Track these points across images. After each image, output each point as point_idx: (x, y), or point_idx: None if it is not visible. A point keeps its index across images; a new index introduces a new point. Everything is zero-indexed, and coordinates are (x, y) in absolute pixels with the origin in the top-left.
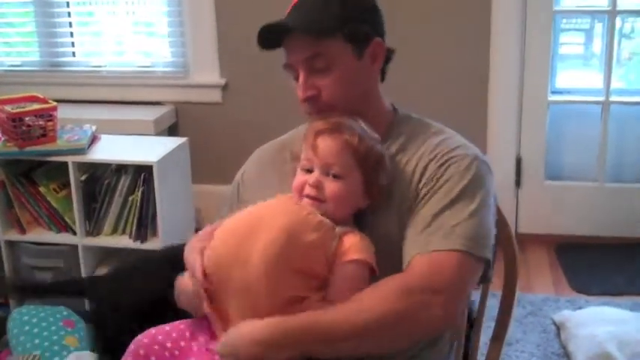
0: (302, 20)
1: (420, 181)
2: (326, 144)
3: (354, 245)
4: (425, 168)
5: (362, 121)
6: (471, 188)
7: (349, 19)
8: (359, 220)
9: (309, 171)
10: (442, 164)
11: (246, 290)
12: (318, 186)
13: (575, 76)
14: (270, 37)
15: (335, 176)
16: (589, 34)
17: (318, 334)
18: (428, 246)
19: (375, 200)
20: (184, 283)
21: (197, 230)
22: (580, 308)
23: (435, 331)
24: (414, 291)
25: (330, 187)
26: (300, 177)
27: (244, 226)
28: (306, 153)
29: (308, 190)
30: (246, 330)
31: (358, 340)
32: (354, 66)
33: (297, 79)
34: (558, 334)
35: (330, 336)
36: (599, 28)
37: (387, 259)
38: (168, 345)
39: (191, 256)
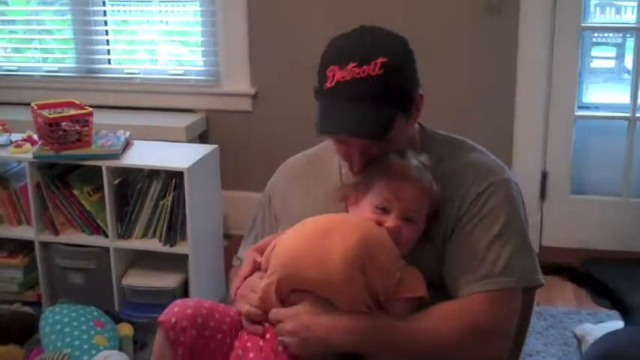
0: (365, 119)
1: (461, 205)
2: (410, 192)
3: (422, 282)
4: (466, 193)
5: (414, 153)
6: (513, 217)
7: (405, 95)
8: None
9: (385, 210)
10: (482, 192)
11: (327, 286)
12: (398, 231)
13: (606, 90)
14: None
15: (411, 221)
16: (621, 48)
17: (396, 338)
18: (487, 284)
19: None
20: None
21: (225, 235)
22: (601, 322)
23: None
24: (479, 330)
25: (407, 232)
26: (374, 215)
27: (320, 228)
28: (386, 195)
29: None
30: (328, 320)
31: (425, 356)
32: (406, 128)
33: (344, 151)
34: (579, 347)
35: (404, 343)
36: (631, 42)
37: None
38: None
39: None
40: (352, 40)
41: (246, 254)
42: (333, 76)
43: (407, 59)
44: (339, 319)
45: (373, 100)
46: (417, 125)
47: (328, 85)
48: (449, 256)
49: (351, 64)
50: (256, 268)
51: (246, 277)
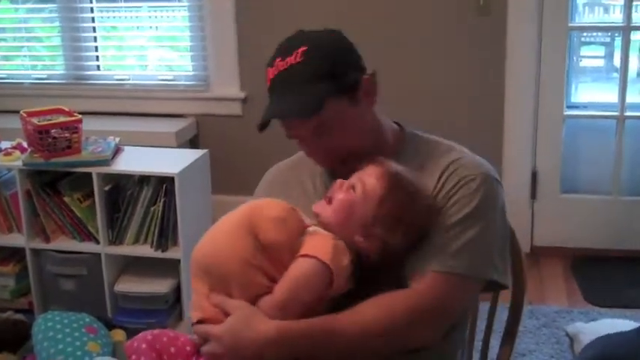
0: (293, 102)
1: (436, 196)
2: (367, 168)
3: (318, 242)
4: (441, 186)
5: (416, 180)
6: (480, 209)
7: (335, 77)
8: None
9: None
10: (455, 184)
11: (219, 263)
12: (342, 187)
13: (595, 89)
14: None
15: (353, 188)
16: (609, 47)
17: (328, 339)
18: (432, 266)
19: (378, 259)
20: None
21: None
22: (593, 320)
23: (422, 347)
24: (414, 310)
25: (342, 195)
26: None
27: (216, 224)
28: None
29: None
30: (256, 330)
31: (357, 349)
32: (353, 114)
33: (301, 142)
34: (571, 346)
35: (336, 341)
36: (619, 41)
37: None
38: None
39: None
40: (282, 42)
41: None
42: (268, 76)
43: (335, 46)
44: (260, 331)
45: (299, 85)
46: (395, 126)
47: (267, 85)
48: None
49: (277, 60)
50: None
51: None
